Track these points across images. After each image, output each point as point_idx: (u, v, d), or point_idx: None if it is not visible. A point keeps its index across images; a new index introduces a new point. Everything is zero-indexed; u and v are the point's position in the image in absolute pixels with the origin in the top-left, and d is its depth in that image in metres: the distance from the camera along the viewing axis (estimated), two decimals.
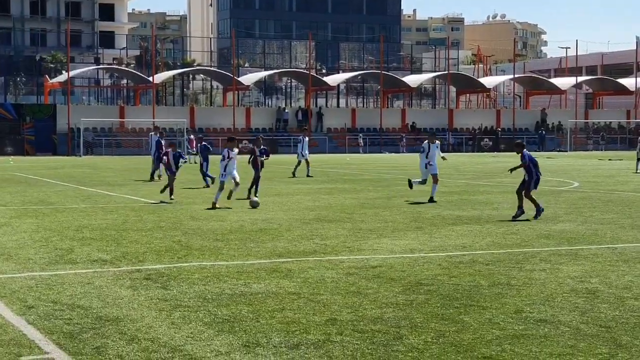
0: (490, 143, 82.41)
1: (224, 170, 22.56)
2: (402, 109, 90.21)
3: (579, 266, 12.72)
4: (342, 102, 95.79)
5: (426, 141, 24.60)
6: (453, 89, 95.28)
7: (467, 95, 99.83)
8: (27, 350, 8.02)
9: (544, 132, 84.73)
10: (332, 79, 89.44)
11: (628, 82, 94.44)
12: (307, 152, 36.98)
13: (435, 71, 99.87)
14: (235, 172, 22.71)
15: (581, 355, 7.75)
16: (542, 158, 61.57)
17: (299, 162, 36.83)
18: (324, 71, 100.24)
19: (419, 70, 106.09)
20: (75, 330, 8.79)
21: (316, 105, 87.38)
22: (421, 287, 11.08)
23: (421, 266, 12.76)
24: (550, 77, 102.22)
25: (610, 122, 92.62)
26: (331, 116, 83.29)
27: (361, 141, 77.17)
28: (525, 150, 19.99)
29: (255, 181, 25.07)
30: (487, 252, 14.24)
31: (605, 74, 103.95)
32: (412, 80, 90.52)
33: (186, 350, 7.99)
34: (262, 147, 26.62)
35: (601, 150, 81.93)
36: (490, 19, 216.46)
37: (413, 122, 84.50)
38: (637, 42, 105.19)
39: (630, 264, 12.89)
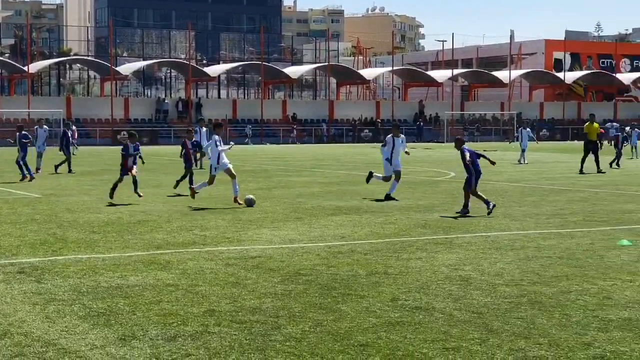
0: (370, 134, 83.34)
1: (218, 162, 20.48)
2: (283, 100, 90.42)
3: (454, 254, 13.01)
4: (223, 93, 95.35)
5: (390, 135, 22.64)
6: (333, 81, 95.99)
7: (347, 86, 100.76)
8: None
9: (421, 123, 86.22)
10: (213, 70, 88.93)
11: (502, 74, 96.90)
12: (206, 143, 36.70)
13: (315, 62, 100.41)
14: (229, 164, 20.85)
15: (454, 341, 7.94)
16: (420, 149, 62.68)
17: (202, 154, 36.35)
18: (204, 61, 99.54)
19: (300, 62, 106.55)
20: None
21: (196, 96, 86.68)
22: (300, 277, 11.15)
23: (300, 256, 12.84)
24: (427, 70, 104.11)
25: (485, 114, 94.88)
26: (211, 107, 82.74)
27: (249, 132, 76.83)
28: (465, 145, 19.16)
29: (188, 175, 23.97)
30: (365, 242, 14.42)
31: (480, 67, 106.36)
32: (293, 71, 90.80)
33: (60, 344, 7.84)
34: (193, 139, 24.98)
35: (476, 141, 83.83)
36: (370, 12, 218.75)
37: (294, 113, 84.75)
38: (511, 36, 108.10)
39: (502, 252, 13.25)
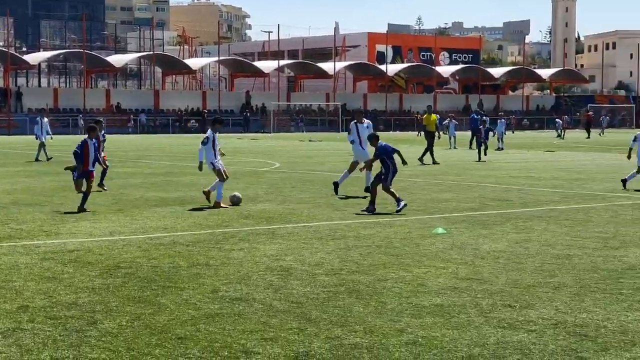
0: (197, 124, 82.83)
1: (215, 157, 18.47)
2: (106, 89, 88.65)
3: (276, 245, 13.10)
4: (44, 81, 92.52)
5: (353, 122, 21.50)
6: (159, 70, 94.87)
7: (173, 76, 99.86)
8: None
9: (248, 114, 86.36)
10: (33, 58, 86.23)
11: (327, 66, 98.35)
12: (49, 134, 35.79)
13: (140, 51, 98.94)
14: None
15: (272, 331, 8.00)
16: (247, 140, 62.83)
17: (43, 144, 35.10)
18: (23, 49, 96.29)
19: (124, 50, 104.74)
20: None
21: (16, 85, 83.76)
22: (119, 270, 10.97)
23: (120, 249, 12.63)
24: (254, 61, 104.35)
25: (311, 105, 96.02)
26: (32, 96, 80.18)
27: (81, 122, 74.29)
28: (380, 142, 17.96)
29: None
30: (188, 233, 14.32)
31: (306, 58, 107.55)
32: (117, 60, 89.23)
33: None
34: (103, 132, 22.41)
35: (302, 132, 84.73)
36: (195, 1, 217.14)
37: (118, 103, 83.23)
38: (335, 28, 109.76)
39: (323, 241, 13.45)
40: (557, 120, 73.57)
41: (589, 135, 69.75)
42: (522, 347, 7.52)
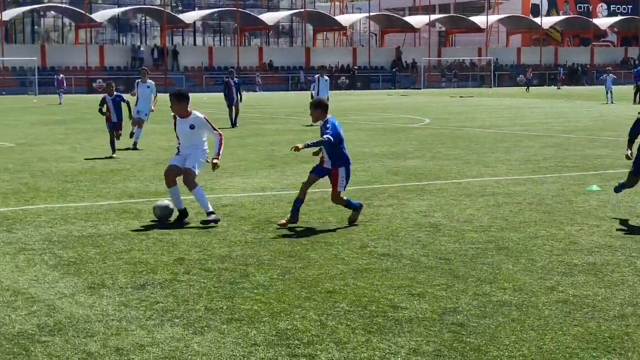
0: (347, 81, 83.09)
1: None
2: (259, 47, 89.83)
3: (424, 201, 13.09)
4: (199, 40, 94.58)
5: None
6: (310, 27, 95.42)
7: (324, 33, 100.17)
8: None
9: (397, 69, 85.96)
10: (188, 16, 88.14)
11: (479, 20, 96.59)
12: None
13: (292, 9, 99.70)
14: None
15: (420, 287, 8.03)
16: (396, 95, 62.61)
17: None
18: (179, 8, 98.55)
19: (276, 8, 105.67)
20: None
21: (172, 44, 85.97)
22: (270, 225, 11.20)
23: (271, 204, 12.89)
24: (404, 15, 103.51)
25: (463, 60, 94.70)
26: (187, 55, 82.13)
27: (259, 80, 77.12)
28: None
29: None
30: None
31: (457, 12, 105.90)
32: (269, 18, 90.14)
33: (29, 293, 7.87)
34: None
35: (453, 87, 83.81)
36: None
37: (270, 61, 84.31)
38: None
39: (472, 198, 13.35)
40: None
41: None
42: None
